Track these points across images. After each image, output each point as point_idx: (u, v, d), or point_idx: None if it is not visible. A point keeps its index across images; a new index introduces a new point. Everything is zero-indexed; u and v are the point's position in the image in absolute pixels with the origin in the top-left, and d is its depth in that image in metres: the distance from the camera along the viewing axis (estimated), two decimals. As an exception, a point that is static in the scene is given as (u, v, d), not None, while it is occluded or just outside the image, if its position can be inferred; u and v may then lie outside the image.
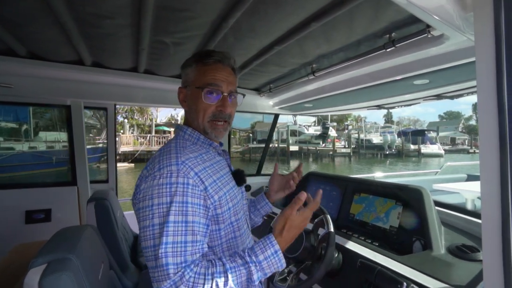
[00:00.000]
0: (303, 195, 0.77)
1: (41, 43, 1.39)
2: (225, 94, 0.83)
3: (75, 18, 1.10)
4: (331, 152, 30.69)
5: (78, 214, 2.21)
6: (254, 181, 2.61)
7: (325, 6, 0.97)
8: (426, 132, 40.95)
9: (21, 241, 1.80)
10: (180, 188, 0.67)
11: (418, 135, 38.35)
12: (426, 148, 35.67)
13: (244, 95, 0.92)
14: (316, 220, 1.06)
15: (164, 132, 26.14)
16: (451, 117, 69.49)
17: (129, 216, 2.38)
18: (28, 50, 1.48)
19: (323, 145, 31.51)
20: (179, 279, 0.61)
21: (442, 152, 35.33)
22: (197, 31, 1.22)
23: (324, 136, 30.77)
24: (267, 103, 2.48)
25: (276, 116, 2.79)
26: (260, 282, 0.96)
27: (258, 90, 2.28)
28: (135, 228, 2.32)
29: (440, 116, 78.59)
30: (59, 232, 0.97)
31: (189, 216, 0.67)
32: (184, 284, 0.61)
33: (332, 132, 33.31)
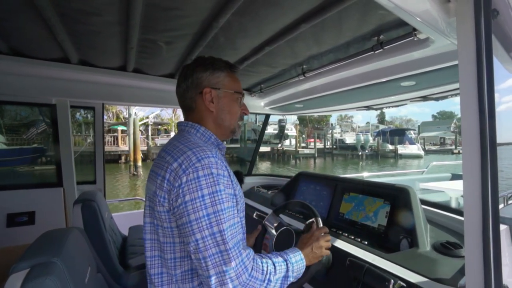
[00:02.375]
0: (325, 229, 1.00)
1: (24, 39, 1.34)
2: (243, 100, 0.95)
3: (59, 14, 1.07)
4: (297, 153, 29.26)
5: (64, 216, 2.15)
6: (245, 181, 2.61)
7: (315, 8, 0.98)
8: (406, 131, 38.69)
9: (2, 245, 1.73)
10: (221, 179, 0.71)
11: (397, 134, 36.14)
12: (405, 149, 33.63)
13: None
14: (307, 222, 1.07)
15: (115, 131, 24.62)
16: (444, 117, 69.46)
17: (117, 217, 2.33)
18: (10, 46, 1.42)
19: (291, 145, 30.18)
20: (246, 257, 0.70)
21: (422, 153, 33.25)
22: (187, 31, 1.21)
23: (280, 135, 27.98)
24: (258, 103, 2.49)
25: (267, 116, 2.80)
26: None
27: (249, 90, 2.28)
28: (123, 229, 2.28)
29: (433, 116, 79.50)
30: (43, 235, 0.93)
31: (230, 202, 0.72)
32: (251, 262, 0.70)
33: (292, 131, 31.57)
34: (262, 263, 0.73)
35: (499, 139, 0.59)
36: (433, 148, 43.15)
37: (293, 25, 1.11)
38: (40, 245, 0.86)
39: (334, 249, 1.23)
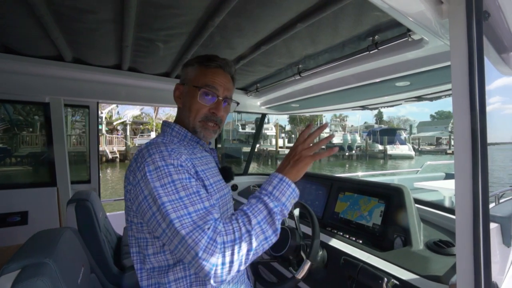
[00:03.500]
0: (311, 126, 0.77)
1: (16, 37, 1.32)
2: (220, 98, 0.85)
3: (53, 11, 1.06)
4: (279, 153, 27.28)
5: (58, 216, 2.12)
6: (241, 181, 2.61)
7: (311, 8, 0.99)
8: (397, 131, 37.20)
9: None
10: (175, 168, 0.67)
11: (387, 134, 34.54)
12: (395, 149, 32.29)
13: (238, 103, 0.94)
14: (300, 220, 1.07)
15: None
16: (442, 117, 68.80)
17: (112, 217, 2.31)
18: (1, 43, 1.40)
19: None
20: (213, 232, 0.61)
21: (412, 153, 32.12)
22: (182, 29, 1.20)
23: (256, 135, 27.22)
24: (254, 103, 2.49)
25: (263, 116, 2.80)
26: (249, 279, 0.96)
27: (245, 90, 2.28)
28: (118, 229, 2.26)
29: (431, 116, 79.05)
30: (35, 236, 0.92)
31: (193, 187, 0.67)
32: (219, 234, 0.61)
33: (271, 131, 30.17)
34: (230, 221, 0.65)
35: (489, 139, 0.60)
36: (427, 148, 42.26)
37: (289, 24, 1.11)
38: (32, 245, 0.84)
39: (329, 248, 1.24)
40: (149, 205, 0.65)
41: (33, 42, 1.38)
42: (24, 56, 1.52)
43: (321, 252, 1.21)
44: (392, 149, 32.16)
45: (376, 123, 59.92)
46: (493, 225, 0.65)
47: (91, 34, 1.26)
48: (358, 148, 33.70)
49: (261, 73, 1.84)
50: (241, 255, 0.61)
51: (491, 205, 0.61)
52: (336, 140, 33.42)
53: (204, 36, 1.22)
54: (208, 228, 0.61)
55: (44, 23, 1.13)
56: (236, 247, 0.61)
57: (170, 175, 0.66)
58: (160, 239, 0.67)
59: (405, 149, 32.31)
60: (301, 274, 0.95)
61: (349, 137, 32.98)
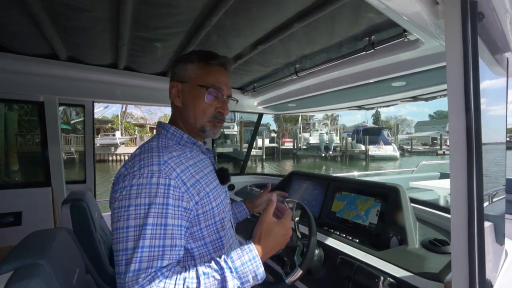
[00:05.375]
0: (274, 197, 0.80)
1: (10, 34, 1.30)
2: (225, 97, 0.85)
3: (47, 9, 1.04)
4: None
5: (52, 216, 2.10)
6: (238, 181, 2.61)
7: (307, 8, 0.99)
8: (382, 130, 34.39)
9: None
10: (161, 190, 0.64)
11: (371, 134, 31.98)
12: (378, 149, 29.95)
13: (237, 101, 0.93)
14: (297, 219, 1.08)
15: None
16: (441, 117, 67.97)
17: (108, 217, 2.29)
18: None
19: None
20: (148, 283, 0.57)
21: (397, 154, 29.72)
22: (179, 28, 1.19)
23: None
24: (251, 103, 2.49)
25: (260, 116, 2.80)
26: None
27: (242, 89, 2.28)
28: (114, 230, 2.24)
29: (430, 115, 78.72)
30: (29, 236, 0.91)
31: (169, 219, 0.64)
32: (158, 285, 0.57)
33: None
34: (176, 280, 0.59)
35: (484, 139, 0.61)
36: (420, 148, 40.62)
37: (286, 24, 1.11)
38: (25, 246, 0.83)
39: (325, 247, 1.24)
40: (117, 217, 0.64)
41: (28, 40, 1.36)
42: (18, 54, 1.50)
43: (317, 251, 1.22)
44: (375, 150, 30.11)
45: (373, 123, 59.87)
46: (486, 224, 0.65)
47: (87, 32, 1.24)
48: (338, 149, 31.91)
49: (258, 72, 1.84)
50: None
51: (485, 204, 0.62)
52: (313, 140, 31.97)
53: (201, 35, 1.22)
54: (144, 278, 0.58)
55: (39, 21, 1.12)
56: None
57: (149, 197, 0.63)
58: (114, 252, 0.64)
59: (389, 150, 30.24)
60: (291, 280, 0.96)
61: (325, 136, 31.17)
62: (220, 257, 0.66)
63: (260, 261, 0.66)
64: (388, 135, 36.15)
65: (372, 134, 31.93)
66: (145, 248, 0.60)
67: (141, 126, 35.26)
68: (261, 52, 1.41)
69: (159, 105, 2.42)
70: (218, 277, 0.61)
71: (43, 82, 1.81)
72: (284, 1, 0.96)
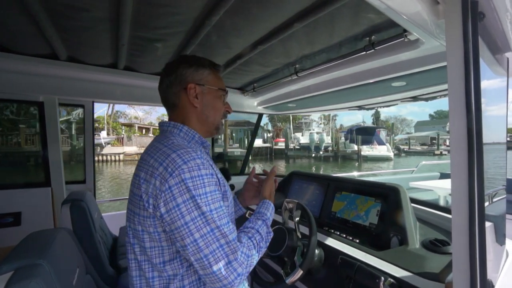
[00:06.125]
0: (275, 168, 1.07)
1: (9, 34, 1.30)
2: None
3: (47, 9, 1.04)
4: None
5: (52, 217, 2.10)
6: (238, 181, 2.61)
7: (307, 8, 0.99)
8: (376, 130, 33.07)
9: None
10: (210, 179, 0.72)
11: (364, 133, 30.71)
12: (372, 150, 29.04)
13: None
14: (297, 219, 1.07)
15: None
16: (441, 116, 67.05)
17: (108, 218, 2.29)
18: None
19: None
20: (244, 246, 0.73)
21: (391, 154, 28.60)
22: (179, 28, 1.19)
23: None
24: (251, 103, 2.49)
25: (260, 116, 2.80)
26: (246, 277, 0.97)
27: (242, 89, 2.28)
28: (114, 230, 2.24)
29: (430, 115, 77.97)
30: (29, 236, 0.91)
31: (221, 201, 0.74)
32: (246, 246, 0.74)
33: None
34: (251, 240, 0.78)
35: (484, 139, 0.61)
36: (418, 148, 39.84)
37: (286, 24, 1.11)
38: (26, 246, 0.83)
39: (326, 247, 1.24)
40: (188, 210, 0.68)
41: (28, 40, 1.36)
42: (18, 54, 1.50)
43: (317, 252, 1.22)
44: (368, 150, 29.27)
45: (373, 122, 59.65)
46: (487, 224, 0.65)
47: (87, 32, 1.24)
48: (330, 149, 31.08)
49: (258, 72, 1.84)
50: (254, 263, 0.75)
51: (485, 204, 0.62)
52: (304, 140, 31.31)
53: (201, 35, 1.22)
54: (234, 248, 0.70)
55: (39, 21, 1.11)
56: (254, 259, 0.75)
57: (204, 186, 0.70)
58: (186, 245, 0.68)
59: (383, 150, 29.39)
60: (291, 280, 0.95)
61: (315, 136, 30.41)
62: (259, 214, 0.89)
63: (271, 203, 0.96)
64: (387, 135, 35.52)
65: (366, 134, 31.26)
66: (223, 226, 0.70)
67: (129, 126, 34.83)
68: (261, 52, 1.41)
69: (159, 105, 2.41)
70: (264, 226, 0.84)
71: (43, 82, 1.81)
72: (284, 1, 0.95)
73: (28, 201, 2.04)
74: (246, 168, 2.91)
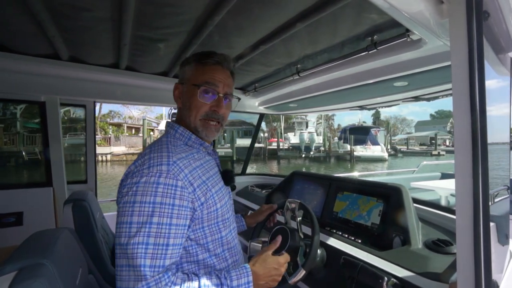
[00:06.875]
0: (279, 239, 0.91)
1: (11, 34, 1.30)
2: (221, 95, 0.83)
3: (49, 9, 1.04)
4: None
5: (54, 217, 2.10)
6: (239, 181, 2.61)
7: (310, 8, 0.98)
8: (370, 129, 31.86)
9: None
10: (168, 190, 0.66)
11: (358, 133, 29.53)
12: (365, 150, 27.93)
13: (239, 99, 0.94)
14: (299, 219, 1.07)
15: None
16: (442, 116, 66.34)
17: (110, 217, 2.29)
18: None
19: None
20: (155, 284, 0.60)
21: (385, 155, 27.50)
22: (181, 28, 1.19)
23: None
24: (252, 103, 2.48)
25: (261, 116, 2.80)
26: None
27: (243, 89, 2.27)
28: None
29: (431, 115, 77.58)
30: (32, 236, 0.91)
31: (173, 218, 0.66)
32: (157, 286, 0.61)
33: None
34: (181, 284, 0.64)
35: (488, 139, 0.60)
36: (417, 148, 38.95)
37: (288, 24, 1.11)
38: (29, 246, 0.83)
39: (328, 248, 1.24)
40: (124, 212, 0.65)
41: (29, 40, 1.36)
42: (20, 54, 1.50)
43: (319, 252, 1.21)
44: (361, 150, 28.01)
45: (373, 122, 59.43)
46: (491, 224, 0.65)
47: (88, 32, 1.24)
48: (323, 149, 29.95)
49: (260, 72, 1.83)
50: None
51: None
52: (294, 140, 30.30)
53: (203, 35, 1.22)
54: (152, 276, 0.61)
55: (40, 21, 1.12)
56: None
57: (155, 195, 0.64)
58: (115, 245, 0.66)
59: (377, 150, 28.04)
60: (293, 281, 0.95)
61: (306, 136, 29.21)
62: (218, 255, 0.77)
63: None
64: (384, 135, 34.69)
65: (360, 133, 29.88)
66: (150, 245, 0.62)
67: (118, 125, 34.22)
68: (263, 52, 1.41)
69: (160, 105, 2.41)
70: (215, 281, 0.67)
71: (45, 82, 1.81)
72: (287, 1, 0.95)
73: (30, 201, 2.04)
74: (247, 168, 2.91)
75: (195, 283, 0.65)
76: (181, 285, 0.63)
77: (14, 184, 2.14)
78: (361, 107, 2.28)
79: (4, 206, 1.96)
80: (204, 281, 0.66)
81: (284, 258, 0.84)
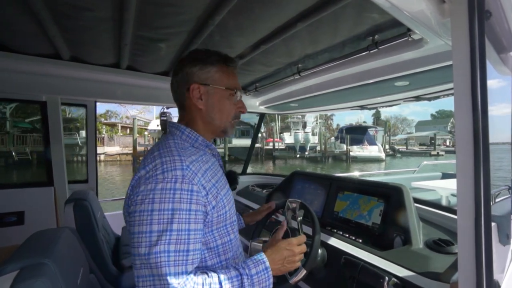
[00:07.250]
0: (285, 223, 0.94)
1: (12, 34, 1.30)
2: (241, 96, 0.89)
3: (49, 8, 1.04)
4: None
5: (55, 216, 2.11)
6: (240, 181, 2.61)
7: (311, 7, 0.98)
8: (367, 129, 31.70)
9: None
10: (184, 196, 0.66)
11: (355, 133, 29.32)
12: (362, 150, 27.59)
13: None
14: (300, 219, 1.07)
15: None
16: (443, 116, 66.17)
17: (110, 217, 2.30)
18: None
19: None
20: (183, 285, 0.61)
21: (382, 155, 27.24)
22: (182, 28, 1.19)
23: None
24: (253, 103, 2.48)
25: (262, 116, 2.80)
26: None
27: (244, 89, 2.27)
28: (117, 229, 2.24)
29: (432, 115, 77.52)
30: (33, 236, 0.91)
31: (191, 224, 0.66)
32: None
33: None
34: (202, 283, 0.64)
35: (490, 139, 0.60)
36: (416, 149, 38.73)
37: (289, 24, 1.11)
38: (30, 245, 0.83)
39: (329, 247, 1.24)
40: (140, 221, 0.64)
41: (30, 40, 1.37)
42: (21, 54, 1.50)
43: (320, 251, 1.21)
44: (358, 150, 27.69)
45: (373, 122, 59.34)
46: (492, 224, 0.65)
47: (89, 32, 1.24)
48: (318, 149, 29.63)
49: (260, 72, 1.83)
50: None
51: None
52: (288, 140, 30.12)
53: (203, 35, 1.22)
54: (178, 284, 0.61)
55: (41, 20, 1.12)
56: None
57: (173, 202, 0.64)
58: (133, 256, 0.66)
59: (374, 150, 27.73)
60: (294, 280, 0.95)
61: (300, 136, 28.91)
62: (228, 259, 0.76)
63: (271, 274, 0.73)
64: (382, 135, 34.37)
65: (357, 133, 29.69)
66: (171, 253, 0.62)
67: (112, 125, 34.00)
68: (264, 51, 1.41)
69: (160, 105, 2.42)
70: (237, 283, 0.68)
71: (46, 82, 1.82)
72: (287, 1, 0.95)
73: (31, 200, 2.05)
74: (248, 168, 2.92)
75: (215, 279, 0.66)
76: (203, 284, 0.64)
77: (15, 183, 2.15)
78: (362, 107, 2.27)
79: (5, 206, 1.97)
80: (223, 275, 0.68)
81: (297, 239, 0.84)
